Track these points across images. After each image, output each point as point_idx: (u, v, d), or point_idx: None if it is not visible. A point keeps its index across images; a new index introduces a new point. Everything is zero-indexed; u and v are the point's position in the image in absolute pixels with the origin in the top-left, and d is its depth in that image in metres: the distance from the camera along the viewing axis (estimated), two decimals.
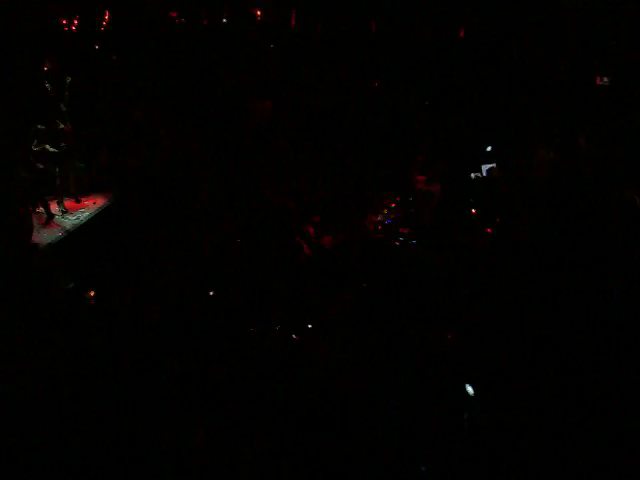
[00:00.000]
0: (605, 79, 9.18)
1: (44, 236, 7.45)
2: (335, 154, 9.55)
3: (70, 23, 11.77)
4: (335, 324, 5.49)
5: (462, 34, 11.28)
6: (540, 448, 3.91)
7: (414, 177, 8.58)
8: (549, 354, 4.69)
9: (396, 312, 5.53)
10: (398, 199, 8.73)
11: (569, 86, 9.21)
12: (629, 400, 4.14)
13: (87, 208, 8.46)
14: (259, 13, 13.05)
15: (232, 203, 8.11)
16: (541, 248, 6.28)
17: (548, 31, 9.63)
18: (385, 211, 8.47)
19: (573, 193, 7.34)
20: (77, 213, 8.29)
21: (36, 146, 7.93)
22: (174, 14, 13.11)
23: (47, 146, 8.00)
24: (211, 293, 6.02)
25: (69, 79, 8.58)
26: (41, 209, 8.07)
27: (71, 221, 8.04)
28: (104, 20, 12.35)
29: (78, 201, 8.66)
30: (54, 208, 8.21)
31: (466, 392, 4.40)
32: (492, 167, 8.50)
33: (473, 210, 8.03)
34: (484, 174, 8.53)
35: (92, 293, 6.00)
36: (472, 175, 8.58)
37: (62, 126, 8.33)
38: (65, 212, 8.26)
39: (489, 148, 8.84)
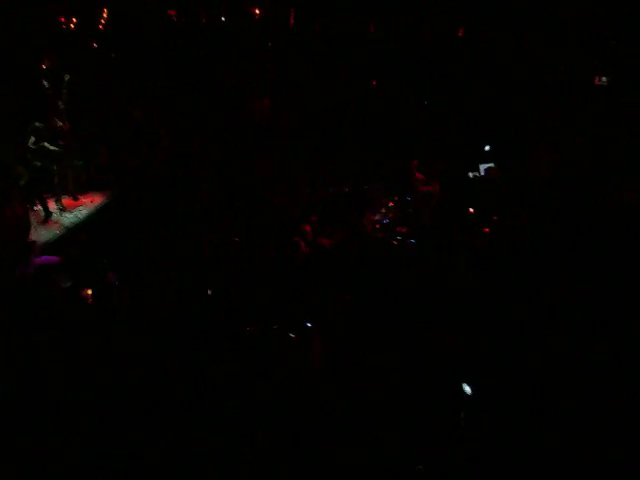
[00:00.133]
0: (604, 79, 9.19)
1: (42, 234, 7.44)
2: (334, 154, 9.56)
3: (69, 21, 11.74)
4: (334, 323, 5.49)
5: (461, 34, 11.28)
6: (540, 448, 3.91)
7: (413, 176, 8.57)
8: (549, 354, 4.69)
9: (395, 311, 5.52)
10: (396, 198, 8.73)
11: (569, 86, 9.21)
12: (629, 400, 4.14)
13: (85, 206, 8.45)
14: (258, 12, 13.04)
15: (231, 202, 8.10)
16: (541, 248, 6.28)
17: (548, 31, 9.63)
18: (383, 210, 8.47)
19: (572, 193, 7.35)
20: (75, 211, 8.29)
21: (34, 144, 7.92)
22: (173, 12, 13.09)
23: (45, 144, 7.99)
24: (209, 292, 6.01)
25: (67, 77, 8.57)
26: (39, 207, 8.07)
27: (69, 219, 8.03)
28: (103, 18, 12.32)
29: (76, 199, 8.66)
30: (52, 206, 8.21)
31: (464, 391, 4.40)
32: (490, 167, 8.51)
33: (471, 210, 8.03)
34: (482, 174, 8.54)
35: (89, 292, 5.98)
36: (470, 175, 8.59)
37: (60, 124, 8.32)
38: (63, 210, 8.26)
39: (487, 147, 8.86)
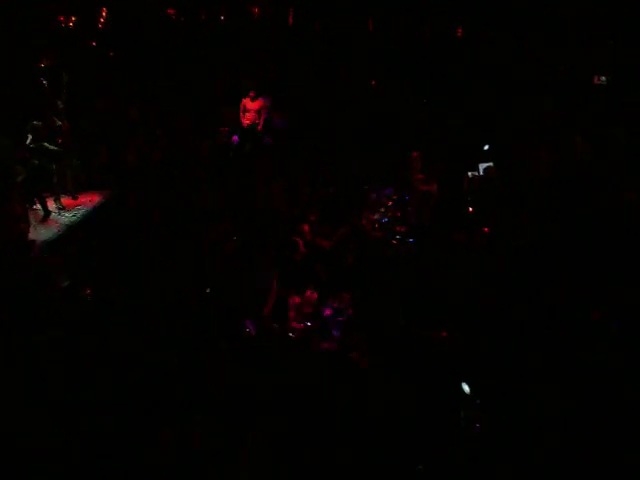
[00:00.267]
0: (603, 78, 9.20)
1: (41, 233, 7.43)
2: (333, 153, 9.55)
3: (68, 20, 11.72)
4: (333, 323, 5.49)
5: (461, 34, 11.29)
6: (540, 448, 3.91)
7: (412, 176, 8.57)
8: (548, 354, 4.70)
9: (395, 311, 5.52)
10: (395, 197, 8.72)
11: (569, 86, 9.22)
12: (629, 400, 4.14)
13: (84, 205, 8.44)
14: (257, 11, 13.03)
15: (231, 202, 8.09)
16: (540, 248, 6.28)
17: (548, 31, 9.64)
18: (382, 209, 8.45)
19: (572, 193, 7.35)
20: (74, 210, 8.27)
21: (33, 143, 7.90)
22: (172, 11, 13.08)
23: (45, 143, 7.97)
24: (208, 291, 6.01)
25: (66, 76, 8.55)
26: (38, 206, 8.05)
27: (68, 218, 8.02)
28: (102, 17, 12.31)
29: (75, 198, 8.64)
30: (51, 205, 8.19)
31: (463, 391, 4.40)
32: (489, 166, 8.51)
33: (470, 209, 8.03)
34: (481, 173, 8.53)
35: (88, 291, 5.97)
36: (469, 174, 8.59)
37: (59, 123, 8.30)
38: (62, 209, 8.24)
39: (486, 147, 8.86)
